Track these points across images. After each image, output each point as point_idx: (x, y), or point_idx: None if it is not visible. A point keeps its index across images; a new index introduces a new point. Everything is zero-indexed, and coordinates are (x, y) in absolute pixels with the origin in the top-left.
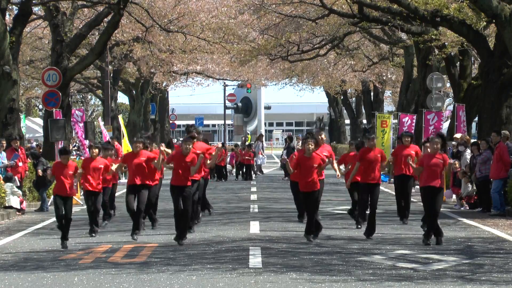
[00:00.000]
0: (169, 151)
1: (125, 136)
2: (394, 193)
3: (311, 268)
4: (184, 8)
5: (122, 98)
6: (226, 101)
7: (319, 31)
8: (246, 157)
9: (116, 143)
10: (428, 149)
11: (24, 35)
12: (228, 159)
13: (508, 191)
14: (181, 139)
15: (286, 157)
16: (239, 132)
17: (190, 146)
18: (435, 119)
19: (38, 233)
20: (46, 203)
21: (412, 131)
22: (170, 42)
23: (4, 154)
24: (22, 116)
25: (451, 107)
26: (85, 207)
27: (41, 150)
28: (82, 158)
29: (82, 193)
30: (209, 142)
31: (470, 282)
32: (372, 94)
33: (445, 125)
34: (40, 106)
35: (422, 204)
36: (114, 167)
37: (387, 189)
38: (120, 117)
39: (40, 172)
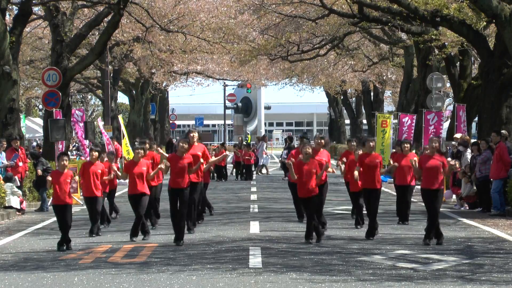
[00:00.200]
0: (166, 155)
1: (125, 136)
2: (394, 193)
3: (311, 268)
4: (184, 8)
5: (122, 98)
6: (226, 101)
7: (319, 31)
8: (246, 157)
9: (116, 143)
10: (427, 151)
11: (24, 35)
12: (230, 159)
13: (508, 191)
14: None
15: (286, 157)
16: (239, 132)
17: (186, 146)
18: (435, 119)
19: (38, 233)
20: (46, 203)
21: (412, 131)
22: (170, 42)
23: (4, 154)
24: (22, 116)
25: (451, 107)
26: (85, 207)
27: (41, 150)
28: (83, 158)
29: (81, 193)
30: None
31: (470, 282)
32: (372, 94)
33: (445, 125)
34: (40, 106)
35: (423, 204)
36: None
37: (387, 189)
38: (120, 117)
39: (40, 172)
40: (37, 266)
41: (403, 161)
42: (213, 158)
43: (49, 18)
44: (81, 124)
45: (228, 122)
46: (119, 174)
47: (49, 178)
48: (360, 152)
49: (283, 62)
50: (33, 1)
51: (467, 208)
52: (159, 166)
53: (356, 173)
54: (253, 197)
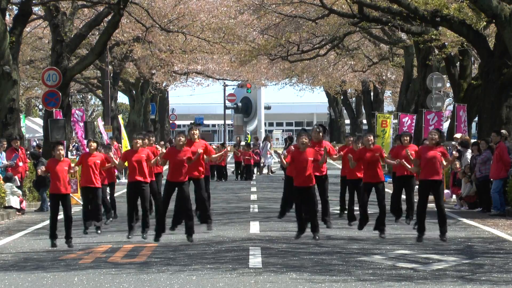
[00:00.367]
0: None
1: (125, 137)
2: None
3: (311, 268)
4: (184, 8)
5: (122, 98)
6: (226, 101)
7: (319, 31)
8: (246, 157)
9: (116, 143)
10: (426, 142)
11: (24, 35)
12: (230, 159)
13: (508, 191)
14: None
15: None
16: (239, 132)
17: (183, 139)
18: (435, 119)
19: (38, 233)
20: (46, 203)
21: (412, 131)
22: (170, 42)
23: (4, 154)
24: (22, 116)
25: (451, 107)
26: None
27: (41, 150)
28: None
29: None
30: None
31: (470, 282)
32: (372, 94)
33: (445, 125)
34: (40, 106)
35: (417, 196)
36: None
37: (387, 189)
38: (120, 117)
39: (39, 172)
40: (37, 266)
41: (403, 152)
42: (217, 154)
43: (49, 18)
44: (81, 124)
45: (228, 122)
46: (116, 162)
47: (43, 168)
48: (360, 146)
49: (283, 62)
50: (33, 1)
51: (467, 208)
52: (157, 157)
53: (350, 155)
54: (253, 197)
